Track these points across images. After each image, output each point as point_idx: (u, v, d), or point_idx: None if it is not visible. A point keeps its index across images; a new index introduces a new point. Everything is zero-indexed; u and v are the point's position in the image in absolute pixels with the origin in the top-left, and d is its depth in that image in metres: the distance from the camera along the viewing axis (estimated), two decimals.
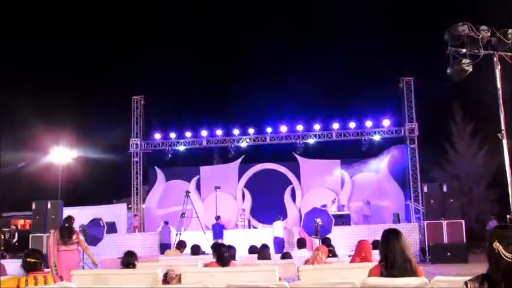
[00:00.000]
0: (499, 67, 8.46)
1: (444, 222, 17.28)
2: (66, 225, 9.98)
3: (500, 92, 8.41)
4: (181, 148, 24.27)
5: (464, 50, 8.53)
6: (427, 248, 17.47)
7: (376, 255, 5.97)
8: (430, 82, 23.16)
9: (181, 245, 12.28)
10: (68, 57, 30.08)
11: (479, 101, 16.70)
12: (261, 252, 9.15)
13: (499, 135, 8.30)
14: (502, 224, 3.47)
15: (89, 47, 29.81)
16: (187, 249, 12.08)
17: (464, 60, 8.49)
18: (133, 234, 21.49)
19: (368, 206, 22.05)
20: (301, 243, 11.59)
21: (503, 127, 8.29)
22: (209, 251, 12.96)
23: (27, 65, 28.73)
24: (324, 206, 19.32)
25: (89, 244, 16.69)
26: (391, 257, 4.47)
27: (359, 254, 7.48)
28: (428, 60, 22.31)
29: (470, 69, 8.52)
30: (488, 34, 8.47)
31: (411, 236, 17.59)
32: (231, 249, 7.79)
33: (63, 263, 9.35)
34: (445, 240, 17.10)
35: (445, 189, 17.86)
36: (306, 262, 8.07)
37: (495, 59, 8.46)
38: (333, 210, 20.27)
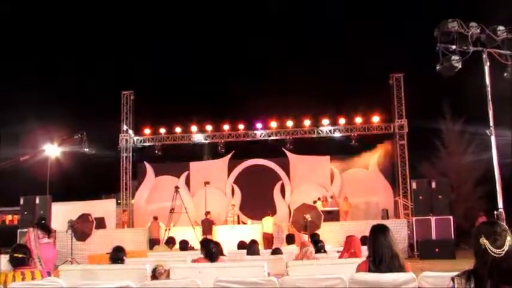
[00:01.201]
0: (488, 64, 8.51)
1: (432, 219, 17.37)
2: (43, 222, 10.01)
3: (489, 89, 8.46)
4: (171, 143, 24.23)
5: (453, 47, 8.57)
6: (415, 244, 17.57)
7: (365, 251, 6.00)
8: (420, 78, 23.22)
9: (170, 242, 12.26)
10: (58, 53, 29.85)
11: (468, 97, 16.78)
12: (250, 247, 9.16)
13: (487, 131, 8.36)
14: (488, 220, 3.51)
15: (77, 41, 29.60)
16: (177, 246, 12.07)
17: (453, 57, 8.53)
18: (122, 230, 21.43)
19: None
20: (290, 239, 11.62)
21: (491, 124, 8.34)
22: (198, 246, 12.93)
23: (23, 62, 28.48)
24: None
25: (77, 240, 16.68)
26: (379, 252, 4.49)
27: (348, 249, 7.52)
28: (418, 57, 22.38)
29: (460, 66, 8.56)
30: (478, 31, 8.52)
31: (400, 231, 17.67)
32: (218, 245, 7.79)
33: (47, 255, 9.31)
34: (433, 237, 17.20)
35: (433, 185, 17.95)
36: (296, 258, 8.10)
37: (484, 55, 8.51)
38: (319, 207, 20.37)
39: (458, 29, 8.45)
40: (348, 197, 22.09)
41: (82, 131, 21.76)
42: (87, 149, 22.51)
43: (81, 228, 15.94)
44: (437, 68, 8.80)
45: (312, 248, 8.09)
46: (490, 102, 8.42)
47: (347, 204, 21.77)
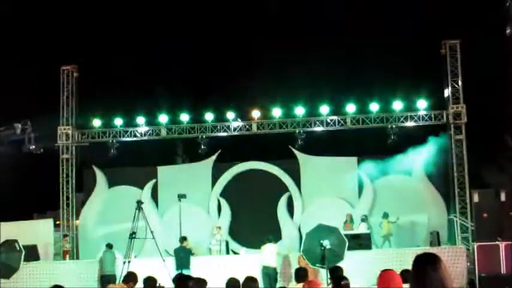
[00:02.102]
0: None
1: (502, 245, 17.44)
2: None
3: None
4: (131, 140, 24.24)
5: None
6: (477, 280, 17.64)
7: None
8: (483, 47, 23.25)
9: (130, 278, 12.28)
10: None
11: None
12: (245, 287, 9.19)
13: None
14: None
15: None
16: (139, 284, 12.10)
17: None
18: (63, 263, 21.45)
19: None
20: (301, 275, 11.65)
21: None
22: (170, 285, 12.94)
23: None
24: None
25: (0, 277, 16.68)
26: None
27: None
28: (481, 18, 22.41)
29: None
30: None
31: (456, 263, 17.74)
32: (200, 283, 7.82)
33: None
34: (503, 270, 17.28)
35: (503, 198, 18.01)
36: None
37: None
38: (349, 229, 20.48)
39: None
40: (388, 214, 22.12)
41: (24, 118, 21.78)
42: (33, 146, 22.54)
43: (5, 261, 15.96)
44: (508, 31, 8.87)
45: None
46: None
47: (387, 226, 21.80)
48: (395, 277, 7.71)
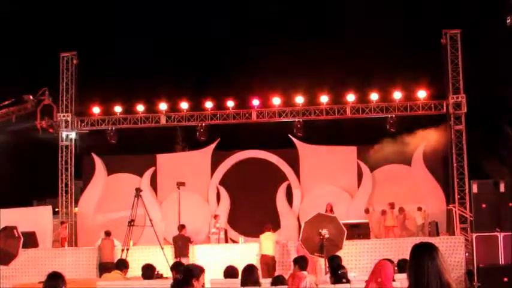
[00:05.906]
0: None
1: (500, 235, 17.42)
2: None
3: None
4: (130, 127, 24.20)
5: None
6: (475, 271, 17.65)
7: (403, 280, 6.04)
8: (484, 37, 23.20)
9: (122, 265, 12.30)
10: None
11: None
12: (245, 275, 9.18)
13: None
14: None
15: None
16: (135, 271, 12.12)
17: None
18: (61, 250, 21.46)
19: (392, 210, 22.18)
20: (302, 264, 11.66)
21: None
22: (168, 273, 13.05)
23: None
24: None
25: None
26: (424, 282, 4.49)
27: (375, 278, 7.52)
28: (482, 7, 22.34)
29: None
30: None
31: (454, 253, 17.78)
32: (198, 271, 7.81)
33: None
34: (501, 261, 17.28)
35: (502, 188, 17.98)
36: None
37: None
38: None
39: None
40: (394, 203, 22.18)
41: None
42: (49, 123, 22.39)
43: (4, 247, 15.97)
44: (509, 21, 8.84)
45: (313, 279, 8.13)
46: None
47: (391, 215, 21.90)
48: (387, 266, 7.73)
